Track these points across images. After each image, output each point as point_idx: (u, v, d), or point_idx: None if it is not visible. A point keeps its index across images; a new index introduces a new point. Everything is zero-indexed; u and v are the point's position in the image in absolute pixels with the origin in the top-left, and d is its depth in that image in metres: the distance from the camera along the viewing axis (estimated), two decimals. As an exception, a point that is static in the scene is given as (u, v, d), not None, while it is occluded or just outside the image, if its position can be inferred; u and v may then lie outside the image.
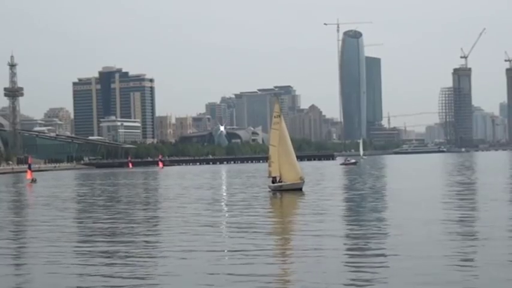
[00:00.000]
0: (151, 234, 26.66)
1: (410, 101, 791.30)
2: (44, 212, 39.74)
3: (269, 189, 52.97)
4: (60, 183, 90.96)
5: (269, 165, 53.40)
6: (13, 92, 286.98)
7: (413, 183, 59.12)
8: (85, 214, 38.50)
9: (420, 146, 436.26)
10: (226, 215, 34.03)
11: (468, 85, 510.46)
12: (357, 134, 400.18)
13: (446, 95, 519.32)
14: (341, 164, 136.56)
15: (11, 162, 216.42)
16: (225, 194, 53.40)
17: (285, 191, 50.24)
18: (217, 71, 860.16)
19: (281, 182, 52.02)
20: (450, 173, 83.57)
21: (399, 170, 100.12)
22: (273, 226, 30.08)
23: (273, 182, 53.13)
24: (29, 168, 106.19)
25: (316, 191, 52.60)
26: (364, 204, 38.50)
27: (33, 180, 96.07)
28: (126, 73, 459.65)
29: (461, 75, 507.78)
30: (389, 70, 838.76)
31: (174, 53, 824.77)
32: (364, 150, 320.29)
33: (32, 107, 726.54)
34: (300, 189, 51.12)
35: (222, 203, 42.50)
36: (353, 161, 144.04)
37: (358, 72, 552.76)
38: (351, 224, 28.03)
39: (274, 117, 54.03)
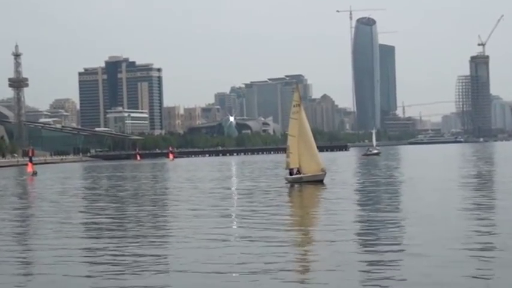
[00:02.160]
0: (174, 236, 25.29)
1: (426, 90, 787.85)
2: (36, 209, 38.50)
3: (286, 182, 51.81)
4: (64, 177, 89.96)
5: (287, 156, 52.34)
6: (18, 83, 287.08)
7: (440, 174, 57.44)
8: (90, 211, 37.02)
9: (436, 136, 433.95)
10: (245, 208, 32.57)
11: (486, 73, 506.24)
12: (371, 124, 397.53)
13: (464, 84, 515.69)
14: (363, 155, 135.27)
15: (16, 155, 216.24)
16: (240, 185, 51.75)
17: (305, 183, 48.98)
18: (226, 59, 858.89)
19: (300, 173, 50.90)
20: (474, 164, 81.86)
21: (419, 161, 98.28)
22: (294, 220, 28.79)
23: (290, 174, 51.98)
24: (30, 160, 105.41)
25: (338, 183, 51.06)
26: (387, 196, 36.92)
27: (34, 173, 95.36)
28: (133, 63, 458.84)
29: (479, 63, 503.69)
30: (404, 58, 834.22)
31: (182, 41, 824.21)
32: (378, 140, 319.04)
33: (37, 98, 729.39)
34: (321, 181, 49.88)
35: (240, 198, 40.94)
36: (375, 151, 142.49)
37: (372, 61, 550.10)
38: (373, 218, 26.51)
39: (294, 106, 52.87)
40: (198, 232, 23.74)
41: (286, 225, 26.00)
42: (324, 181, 50.13)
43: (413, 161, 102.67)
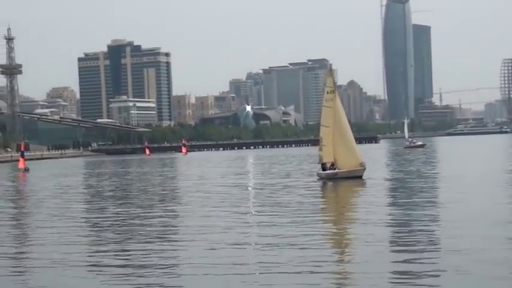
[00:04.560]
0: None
1: (466, 75, 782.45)
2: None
3: (318, 178, 50.79)
4: (59, 173, 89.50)
5: (320, 150, 51.39)
6: (11, 70, 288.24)
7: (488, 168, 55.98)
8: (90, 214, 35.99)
9: (478, 126, 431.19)
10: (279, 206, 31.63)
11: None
12: (403, 114, 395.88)
13: (510, 68, 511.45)
14: (405, 148, 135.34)
15: (9, 149, 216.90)
16: (266, 182, 50.40)
17: (341, 179, 47.97)
18: (242, 42, 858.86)
19: (334, 168, 49.94)
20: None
21: (466, 154, 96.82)
22: (325, 221, 27.75)
23: (323, 169, 50.91)
24: (22, 155, 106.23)
25: (378, 179, 49.72)
26: (435, 195, 35.55)
27: (26, 170, 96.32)
28: (139, 46, 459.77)
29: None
30: (441, 40, 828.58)
31: (193, 22, 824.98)
32: (412, 131, 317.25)
33: (33, 87, 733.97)
34: (360, 177, 48.77)
35: (269, 196, 39.78)
36: (420, 143, 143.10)
37: (405, 43, 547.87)
38: (415, 219, 25.54)
39: (327, 92, 51.83)
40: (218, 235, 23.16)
41: (316, 226, 25.44)
42: (363, 177, 48.97)
43: (459, 154, 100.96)
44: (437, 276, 15.97)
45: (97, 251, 21.41)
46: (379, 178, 50.70)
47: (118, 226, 27.95)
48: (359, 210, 31.39)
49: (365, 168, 50.09)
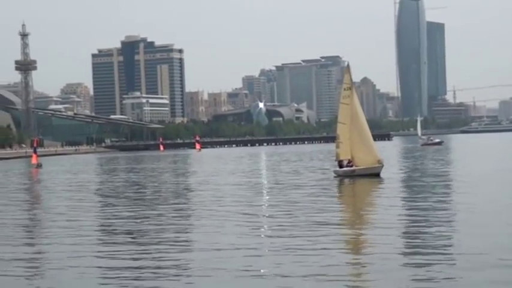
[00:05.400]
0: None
1: (480, 73, 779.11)
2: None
3: (335, 175, 50.45)
4: (71, 170, 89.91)
5: (337, 147, 51.08)
6: (25, 66, 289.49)
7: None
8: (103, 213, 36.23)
9: (493, 123, 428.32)
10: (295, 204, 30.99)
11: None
12: (417, 111, 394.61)
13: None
14: (422, 145, 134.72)
15: (24, 145, 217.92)
16: (281, 179, 49.72)
17: (358, 176, 47.67)
18: (255, 39, 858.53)
19: (352, 166, 49.68)
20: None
21: (483, 152, 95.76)
22: (342, 221, 27.36)
23: (340, 167, 50.62)
24: (35, 151, 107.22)
25: (395, 176, 49.46)
26: (453, 194, 34.60)
27: (39, 166, 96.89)
28: (152, 43, 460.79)
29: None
30: (455, 37, 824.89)
31: (206, 19, 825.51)
32: (425, 129, 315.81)
33: (47, 83, 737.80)
34: (378, 174, 48.46)
35: (285, 194, 39.47)
36: (437, 140, 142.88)
37: (418, 40, 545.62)
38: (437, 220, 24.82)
39: (344, 89, 51.62)
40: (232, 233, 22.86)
41: (333, 226, 24.89)
42: (381, 174, 48.62)
43: (476, 151, 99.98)
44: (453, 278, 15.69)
45: (103, 252, 21.05)
46: (400, 176, 50.47)
47: (120, 227, 27.27)
48: (377, 211, 30.69)
49: (383, 166, 49.69)
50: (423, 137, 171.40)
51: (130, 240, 23.21)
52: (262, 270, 17.06)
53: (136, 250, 20.98)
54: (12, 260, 19.98)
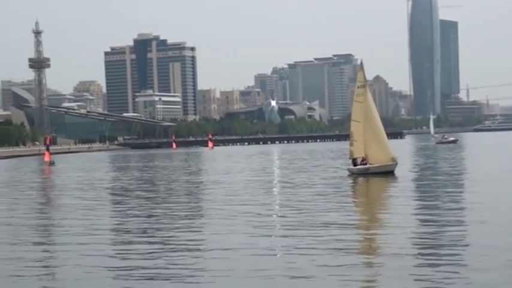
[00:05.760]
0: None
1: (494, 71, 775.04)
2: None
3: (349, 173, 50.41)
4: (83, 167, 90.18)
5: (350, 145, 51.19)
6: (39, 63, 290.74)
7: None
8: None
9: (506, 121, 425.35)
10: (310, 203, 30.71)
11: None
12: (429, 109, 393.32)
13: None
14: (437, 143, 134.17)
15: (37, 143, 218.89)
16: (295, 178, 49.61)
17: (372, 174, 47.52)
18: (267, 37, 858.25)
19: (365, 163, 49.58)
20: None
21: (499, 151, 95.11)
22: (357, 221, 27.03)
23: (354, 165, 50.54)
24: (47, 149, 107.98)
25: (409, 174, 49.23)
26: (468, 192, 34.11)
27: (52, 163, 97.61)
28: (165, 41, 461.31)
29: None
30: (468, 35, 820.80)
31: (218, 17, 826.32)
32: (438, 127, 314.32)
33: (60, 80, 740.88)
34: (392, 172, 48.37)
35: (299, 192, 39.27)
36: (452, 138, 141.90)
37: (431, 38, 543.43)
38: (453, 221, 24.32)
39: (358, 87, 51.62)
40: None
41: (345, 226, 24.54)
42: (395, 172, 48.47)
43: (491, 149, 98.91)
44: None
45: (113, 251, 20.96)
46: (414, 174, 50.24)
47: (127, 226, 27.20)
48: (389, 210, 30.35)
49: (397, 163, 49.56)
50: (436, 135, 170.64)
51: (141, 239, 23.03)
52: (273, 271, 16.84)
53: (147, 249, 20.82)
54: (23, 260, 19.91)
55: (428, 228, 23.25)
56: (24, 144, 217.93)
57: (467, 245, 19.50)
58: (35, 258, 20.26)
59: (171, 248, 20.89)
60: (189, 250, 20.43)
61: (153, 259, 19.19)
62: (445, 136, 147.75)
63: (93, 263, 18.84)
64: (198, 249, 20.55)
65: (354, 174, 49.54)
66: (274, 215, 28.54)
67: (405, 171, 52.10)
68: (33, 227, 27.78)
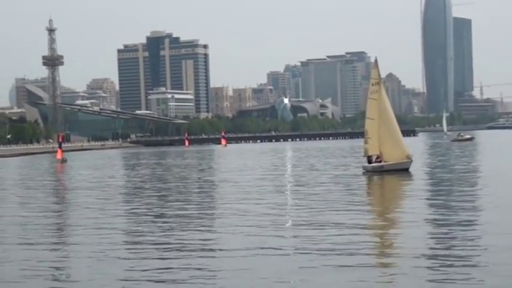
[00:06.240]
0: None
1: (508, 68, 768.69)
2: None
3: (364, 171, 50.20)
4: (96, 165, 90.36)
5: (365, 142, 50.95)
6: (52, 61, 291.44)
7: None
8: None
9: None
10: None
11: None
12: (443, 107, 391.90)
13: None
14: (453, 141, 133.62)
15: (51, 140, 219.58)
16: (308, 176, 49.37)
17: (387, 172, 47.25)
18: (280, 35, 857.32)
19: (380, 161, 49.32)
20: None
21: None
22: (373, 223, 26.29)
23: (369, 162, 50.33)
24: (60, 146, 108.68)
25: (424, 172, 48.87)
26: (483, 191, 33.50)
27: (64, 160, 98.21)
28: (177, 38, 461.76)
29: None
30: (482, 33, 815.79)
31: (231, 15, 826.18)
32: (451, 125, 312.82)
33: (73, 78, 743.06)
34: (407, 169, 48.17)
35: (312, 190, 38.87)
36: (468, 136, 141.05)
37: (445, 36, 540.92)
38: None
39: (372, 84, 51.52)
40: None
41: (359, 226, 24.06)
42: (410, 170, 48.20)
43: (507, 148, 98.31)
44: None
45: (125, 253, 20.76)
46: (429, 172, 49.87)
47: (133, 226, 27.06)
48: (403, 209, 29.77)
49: (412, 161, 49.35)
50: (449, 132, 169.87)
51: (152, 240, 22.78)
52: (285, 272, 16.64)
53: (158, 249, 20.69)
54: (33, 260, 19.80)
55: (443, 228, 22.86)
56: (38, 142, 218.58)
57: (482, 246, 19.16)
58: (45, 258, 20.14)
59: (184, 249, 20.64)
60: (202, 250, 20.22)
61: (164, 259, 19.03)
62: (461, 134, 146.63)
63: (104, 264, 18.70)
64: (210, 249, 20.31)
65: (368, 172, 49.25)
66: (287, 215, 28.20)
67: (420, 168, 51.68)
68: (41, 226, 27.57)
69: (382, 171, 47.95)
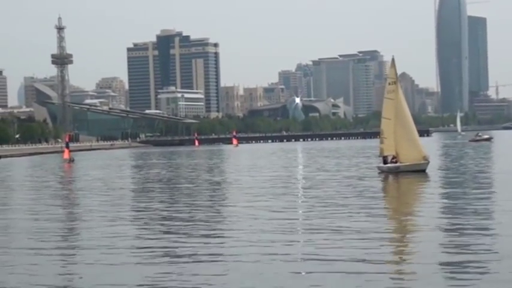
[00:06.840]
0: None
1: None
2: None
3: (379, 171, 49.64)
4: (104, 165, 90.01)
5: (381, 142, 50.51)
6: (61, 59, 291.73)
7: None
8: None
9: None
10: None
11: None
12: (457, 106, 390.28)
13: None
14: (470, 141, 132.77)
15: (60, 140, 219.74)
16: (322, 176, 48.59)
17: (403, 173, 46.71)
18: (291, 33, 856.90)
19: (396, 162, 48.78)
20: None
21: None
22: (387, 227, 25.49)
23: (384, 163, 49.79)
24: (67, 146, 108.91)
25: (441, 174, 48.00)
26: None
27: (71, 160, 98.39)
28: (187, 37, 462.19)
29: None
30: (497, 31, 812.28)
31: (242, 13, 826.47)
32: (466, 125, 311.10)
33: (83, 77, 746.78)
34: (423, 170, 47.43)
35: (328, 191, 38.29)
36: (486, 136, 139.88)
37: (459, 34, 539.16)
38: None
39: (389, 84, 51.01)
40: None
41: (373, 230, 23.25)
42: (427, 171, 47.58)
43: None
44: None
45: (134, 257, 20.45)
46: (446, 174, 49.07)
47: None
48: (419, 213, 28.99)
49: (428, 162, 48.74)
50: (463, 133, 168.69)
51: (161, 246, 22.40)
52: (296, 278, 16.31)
53: (167, 255, 20.25)
54: (40, 260, 19.48)
55: (460, 234, 22.08)
56: (46, 142, 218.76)
57: (498, 254, 18.47)
58: (51, 259, 19.74)
59: (191, 255, 20.00)
60: (212, 254, 19.64)
61: (171, 264, 18.61)
62: (479, 134, 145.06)
63: (113, 270, 18.25)
64: (217, 254, 19.81)
65: (384, 173, 48.65)
66: (299, 218, 27.56)
67: (437, 170, 50.83)
68: (43, 231, 27.06)
69: (398, 172, 47.35)
